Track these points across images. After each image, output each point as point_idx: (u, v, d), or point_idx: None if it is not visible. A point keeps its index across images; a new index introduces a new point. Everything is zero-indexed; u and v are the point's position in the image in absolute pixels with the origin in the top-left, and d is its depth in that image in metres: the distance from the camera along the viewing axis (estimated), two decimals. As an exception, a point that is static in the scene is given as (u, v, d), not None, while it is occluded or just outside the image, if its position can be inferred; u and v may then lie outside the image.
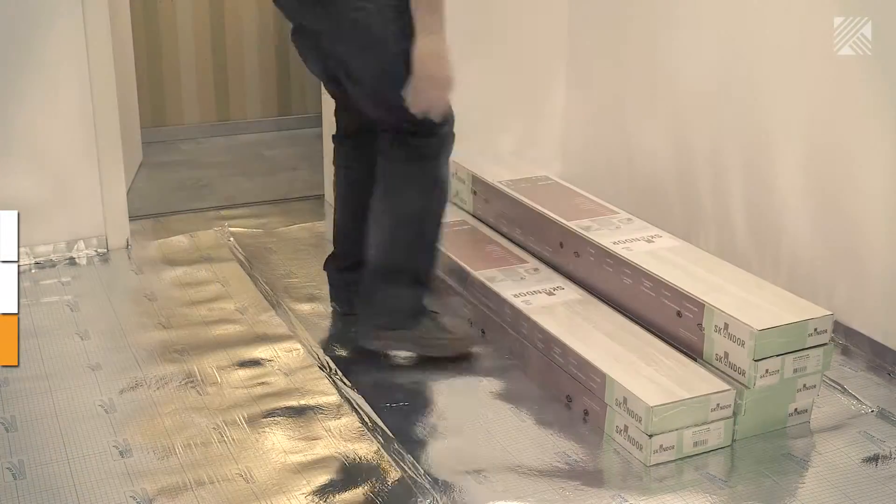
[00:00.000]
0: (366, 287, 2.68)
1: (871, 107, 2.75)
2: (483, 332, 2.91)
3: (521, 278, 2.92)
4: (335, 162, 2.93)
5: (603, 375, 2.39)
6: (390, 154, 2.60)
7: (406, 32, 2.41)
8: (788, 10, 2.96)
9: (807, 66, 2.92)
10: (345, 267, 2.91)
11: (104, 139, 3.40)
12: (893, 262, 2.74)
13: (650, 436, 2.28)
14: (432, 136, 2.56)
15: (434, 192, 2.63)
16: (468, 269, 2.98)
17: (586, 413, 2.48)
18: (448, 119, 2.59)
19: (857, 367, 2.78)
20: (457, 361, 2.70)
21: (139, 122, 4.46)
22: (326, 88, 2.88)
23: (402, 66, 2.43)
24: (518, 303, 2.76)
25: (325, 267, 3.01)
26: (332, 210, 2.96)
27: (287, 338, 2.90)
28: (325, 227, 3.74)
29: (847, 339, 2.86)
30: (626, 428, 2.35)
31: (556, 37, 3.93)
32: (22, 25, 3.19)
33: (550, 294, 2.82)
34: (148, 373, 2.69)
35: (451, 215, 3.24)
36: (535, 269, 2.98)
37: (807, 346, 2.41)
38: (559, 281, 2.90)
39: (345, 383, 2.65)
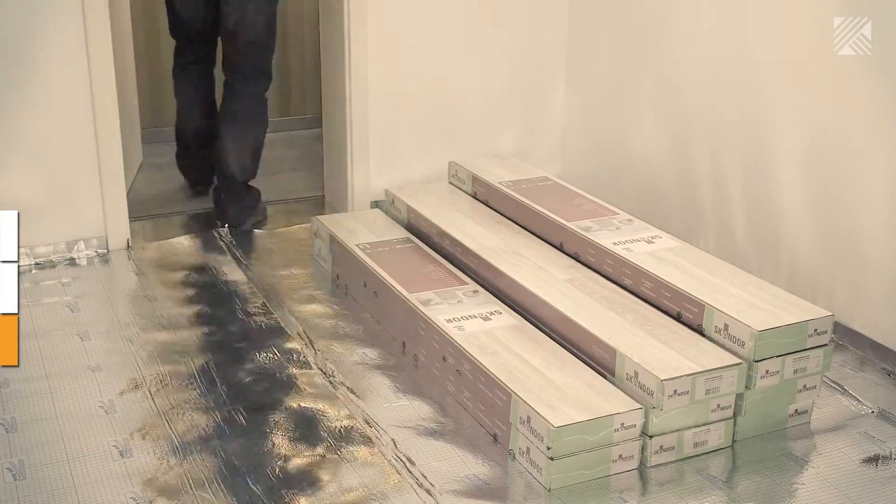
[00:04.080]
0: (237, 196, 3.77)
1: (870, 107, 2.75)
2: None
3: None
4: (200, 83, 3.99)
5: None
6: (246, 96, 3.68)
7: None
8: (788, 11, 2.96)
9: (807, 67, 2.92)
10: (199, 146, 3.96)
11: (104, 139, 3.40)
12: (893, 262, 2.74)
13: (650, 436, 2.28)
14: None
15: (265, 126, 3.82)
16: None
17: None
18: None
19: (857, 367, 2.78)
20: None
21: (139, 122, 4.46)
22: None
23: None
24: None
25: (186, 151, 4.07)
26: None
27: (287, 338, 2.90)
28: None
29: (847, 340, 2.86)
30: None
31: (555, 37, 3.93)
32: (22, 26, 3.19)
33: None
34: (148, 373, 2.69)
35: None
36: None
37: (807, 347, 2.41)
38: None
39: (344, 385, 2.65)
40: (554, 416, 2.20)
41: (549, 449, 2.18)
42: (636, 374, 2.31)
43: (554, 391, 2.31)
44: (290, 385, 2.66)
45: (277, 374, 2.71)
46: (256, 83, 3.68)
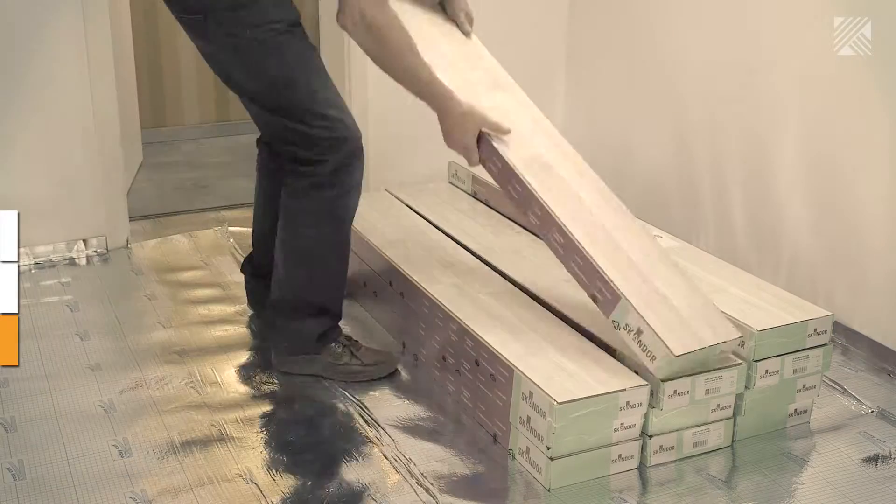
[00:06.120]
0: (269, 315, 2.69)
1: (870, 107, 2.75)
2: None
3: None
4: (257, 166, 2.85)
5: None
6: (286, 184, 2.52)
7: (285, 60, 2.42)
8: (789, 11, 2.97)
9: (807, 67, 2.92)
10: (261, 274, 2.84)
11: (104, 139, 3.40)
12: (893, 262, 2.74)
13: (650, 436, 2.28)
14: (321, 162, 2.43)
15: (328, 226, 2.51)
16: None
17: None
18: (341, 144, 2.42)
19: (857, 367, 2.78)
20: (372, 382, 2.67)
21: (139, 122, 4.46)
22: None
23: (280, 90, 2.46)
24: None
25: (242, 269, 3.02)
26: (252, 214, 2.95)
27: (287, 338, 2.90)
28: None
29: (847, 340, 2.87)
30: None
31: (555, 36, 3.93)
32: (22, 26, 3.19)
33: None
34: (147, 373, 2.69)
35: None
36: None
37: (806, 347, 2.41)
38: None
39: (344, 384, 2.65)
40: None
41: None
42: (636, 373, 2.30)
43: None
44: (289, 385, 2.66)
45: (276, 375, 2.70)
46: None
